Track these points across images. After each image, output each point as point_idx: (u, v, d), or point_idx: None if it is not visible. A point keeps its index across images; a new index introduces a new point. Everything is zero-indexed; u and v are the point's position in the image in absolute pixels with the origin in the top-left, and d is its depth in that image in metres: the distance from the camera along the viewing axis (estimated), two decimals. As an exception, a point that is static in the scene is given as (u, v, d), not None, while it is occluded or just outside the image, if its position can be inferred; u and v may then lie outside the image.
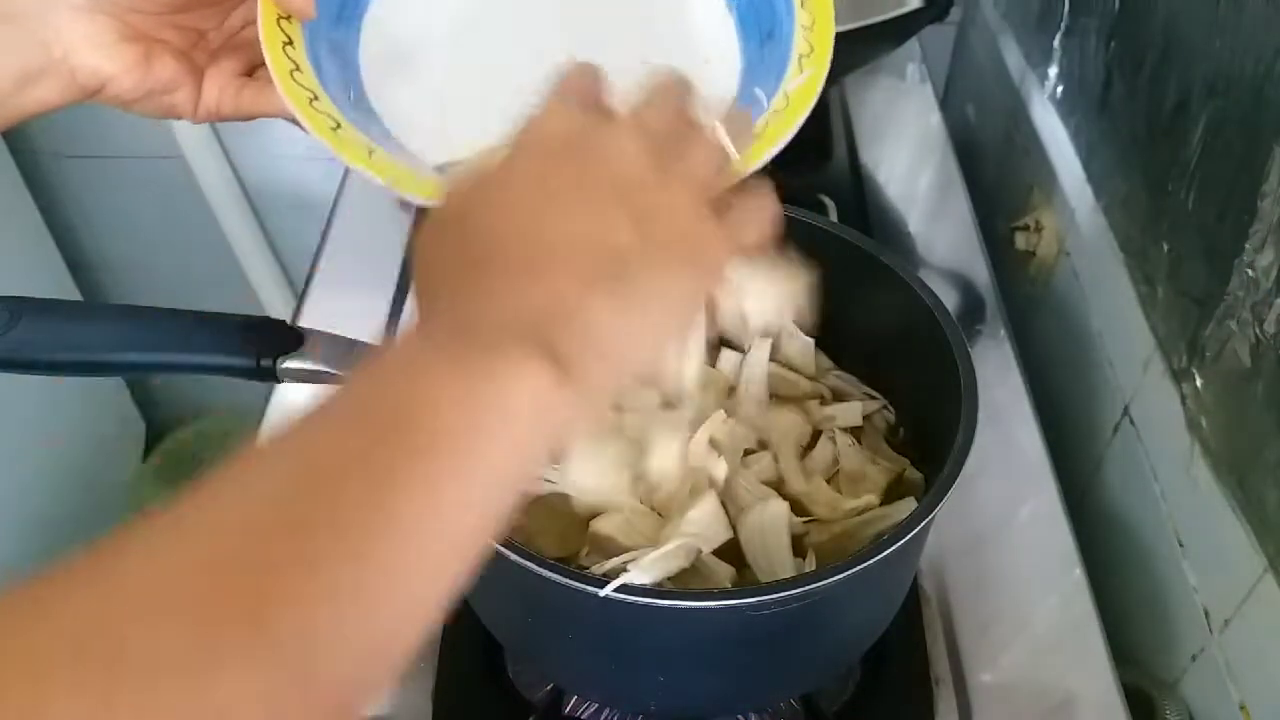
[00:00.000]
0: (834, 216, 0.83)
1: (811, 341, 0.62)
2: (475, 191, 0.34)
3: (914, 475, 0.55)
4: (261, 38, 0.46)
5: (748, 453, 0.55)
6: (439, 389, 0.29)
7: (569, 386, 0.30)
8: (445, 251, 0.33)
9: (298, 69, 0.46)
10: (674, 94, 0.37)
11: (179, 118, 0.48)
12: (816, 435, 0.58)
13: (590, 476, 0.52)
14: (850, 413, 0.59)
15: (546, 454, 0.31)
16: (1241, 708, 0.55)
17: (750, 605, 0.43)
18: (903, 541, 0.44)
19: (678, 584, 0.48)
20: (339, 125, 0.45)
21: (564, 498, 0.54)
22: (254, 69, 0.49)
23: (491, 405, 0.29)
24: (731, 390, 0.59)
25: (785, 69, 0.47)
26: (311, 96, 0.45)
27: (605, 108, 0.36)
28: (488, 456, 0.29)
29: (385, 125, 0.48)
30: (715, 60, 0.51)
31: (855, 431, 0.59)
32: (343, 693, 0.25)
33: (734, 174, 0.37)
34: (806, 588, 0.43)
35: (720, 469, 0.51)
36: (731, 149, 0.37)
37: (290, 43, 0.46)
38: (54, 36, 0.43)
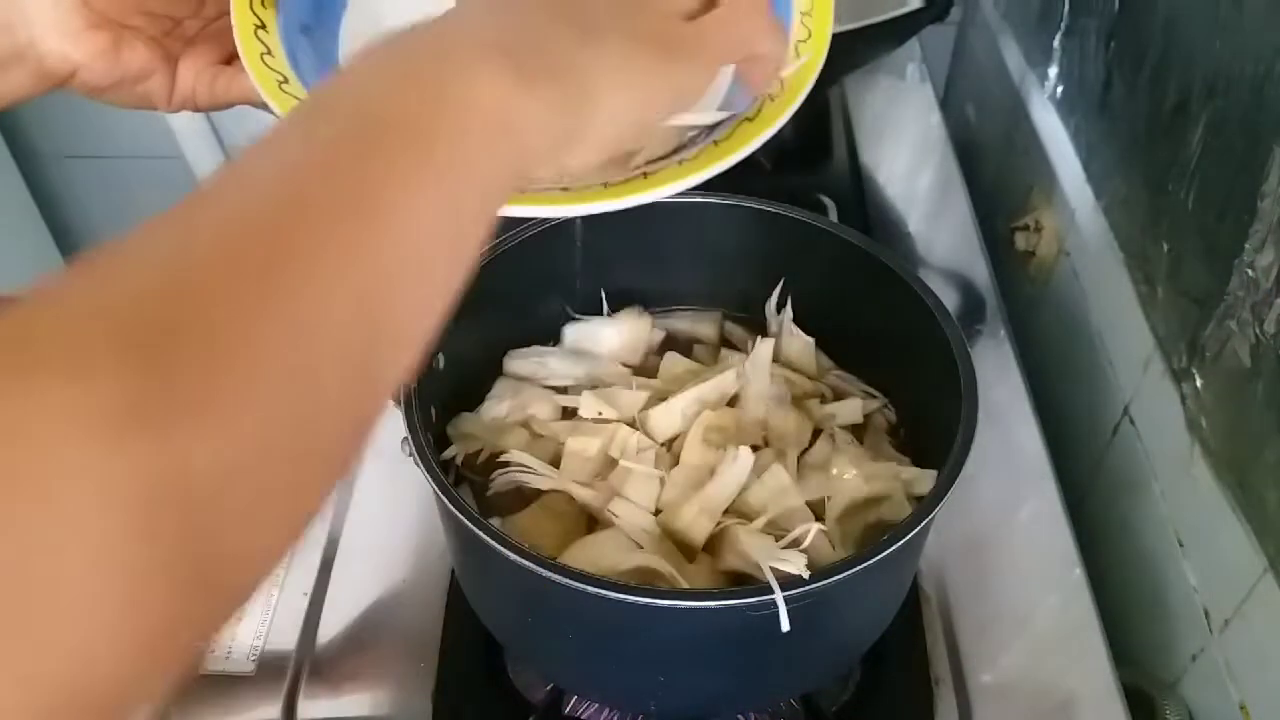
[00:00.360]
0: (834, 216, 0.83)
1: (812, 341, 0.62)
2: None
3: (912, 476, 0.55)
4: (234, 20, 0.46)
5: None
6: (406, 90, 0.29)
7: (530, 98, 0.30)
8: None
9: (269, 53, 0.46)
10: None
11: (153, 108, 0.48)
12: (817, 435, 0.58)
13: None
14: (850, 410, 0.59)
15: (517, 167, 0.31)
16: (1241, 708, 0.55)
17: (750, 605, 0.43)
18: (903, 541, 0.44)
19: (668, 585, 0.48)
20: None
21: (564, 498, 0.54)
22: (230, 58, 0.49)
23: (457, 102, 0.28)
24: (735, 397, 0.59)
25: None
26: (281, 79, 0.45)
27: None
28: (457, 152, 0.28)
29: None
30: None
31: (856, 430, 0.59)
32: (353, 401, 0.25)
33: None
34: (807, 588, 0.43)
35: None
36: None
37: (263, 26, 0.47)
38: (19, 22, 0.43)
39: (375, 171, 0.27)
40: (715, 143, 0.43)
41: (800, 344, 0.62)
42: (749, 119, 0.44)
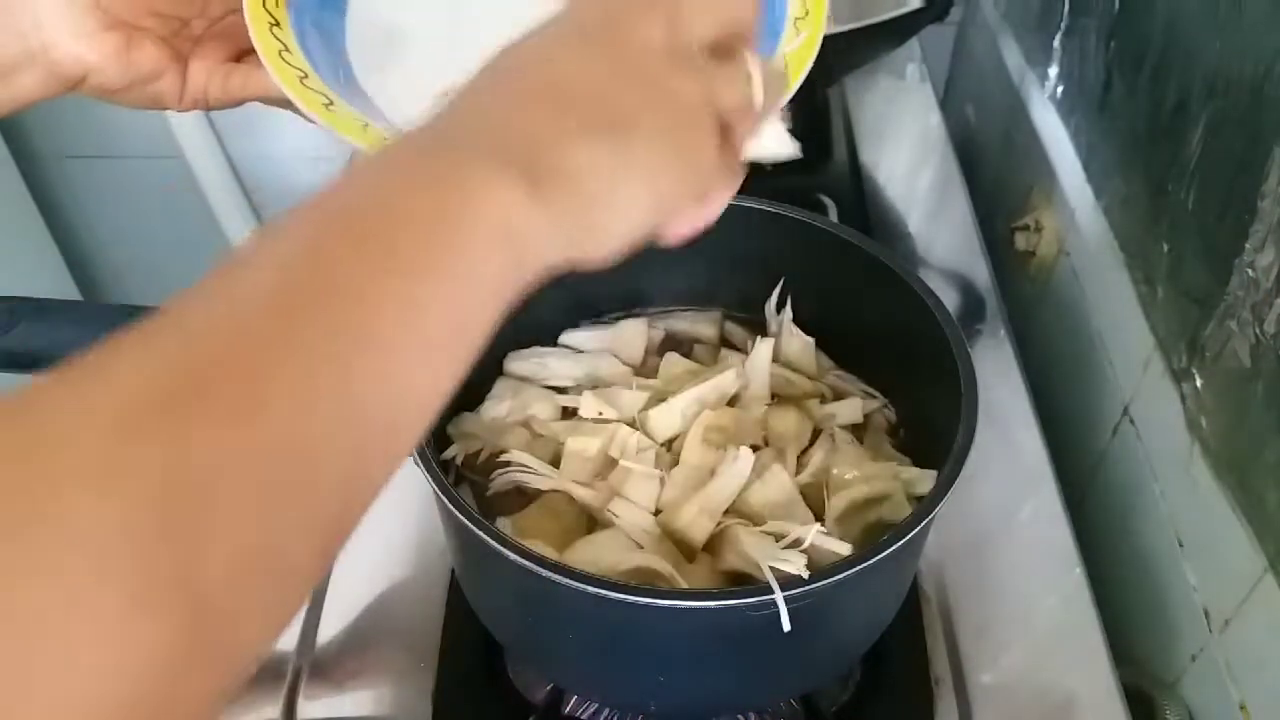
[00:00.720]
0: (834, 216, 0.83)
1: (812, 341, 0.62)
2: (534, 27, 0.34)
3: (912, 476, 0.55)
4: (247, 19, 0.46)
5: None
6: (410, 199, 0.28)
7: (539, 208, 0.30)
8: (475, 75, 0.34)
9: (286, 49, 0.46)
10: (736, 8, 0.36)
11: (164, 107, 0.48)
12: (817, 435, 0.58)
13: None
14: (850, 410, 0.59)
15: (519, 280, 0.30)
16: (1241, 707, 0.55)
17: (750, 605, 0.43)
18: (903, 541, 0.44)
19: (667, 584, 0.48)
20: (331, 102, 0.45)
21: (564, 498, 0.54)
22: (240, 55, 0.49)
23: (460, 217, 0.28)
24: (735, 397, 0.59)
25: (781, 31, 0.47)
26: (302, 75, 0.45)
27: None
28: (460, 261, 0.28)
29: (378, 107, 0.49)
30: None
31: (856, 430, 0.59)
32: (335, 505, 0.25)
33: (753, 117, 0.37)
34: (806, 588, 0.43)
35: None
36: (759, 90, 0.36)
37: (277, 24, 0.47)
38: (32, 25, 0.43)
39: (376, 278, 0.26)
40: None
41: (800, 344, 0.62)
42: None
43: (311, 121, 0.45)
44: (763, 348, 0.60)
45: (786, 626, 0.42)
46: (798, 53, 0.45)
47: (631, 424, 0.57)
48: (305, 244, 0.27)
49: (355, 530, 0.26)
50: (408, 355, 0.27)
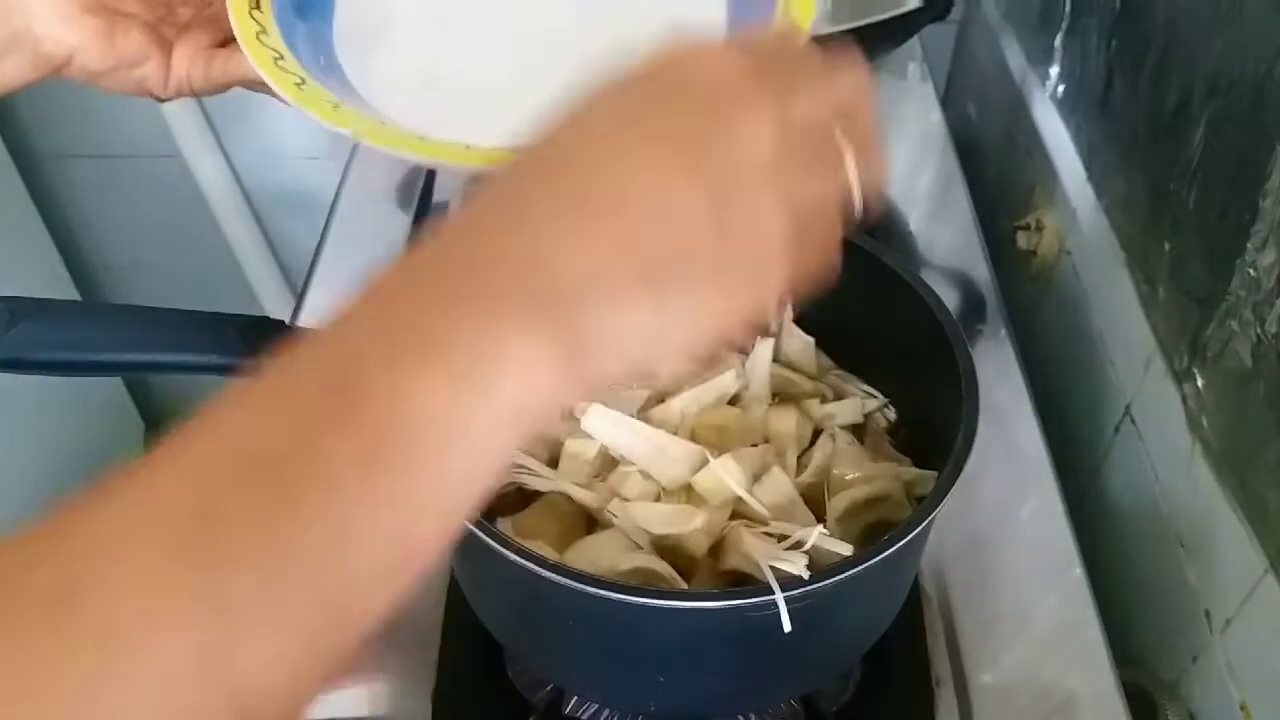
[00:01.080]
0: (834, 216, 0.83)
1: (812, 341, 0.62)
2: (583, 100, 0.29)
3: (912, 476, 0.55)
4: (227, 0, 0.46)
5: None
6: (416, 367, 0.25)
7: (571, 380, 0.26)
8: (516, 160, 0.29)
9: (264, 31, 0.46)
10: (839, 94, 0.31)
11: (149, 93, 0.48)
12: (817, 435, 0.58)
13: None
14: (850, 409, 0.59)
15: (521, 442, 0.27)
16: (1242, 708, 0.55)
17: (750, 605, 0.42)
18: (904, 541, 0.44)
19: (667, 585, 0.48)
20: (303, 82, 0.46)
21: (564, 498, 0.54)
22: (224, 42, 0.49)
23: (473, 403, 0.25)
24: (735, 397, 0.58)
25: None
26: (277, 56, 0.46)
27: (768, 68, 0.30)
28: (456, 459, 0.25)
29: (359, 93, 0.49)
30: None
31: (856, 430, 0.59)
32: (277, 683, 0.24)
33: (847, 221, 0.32)
34: (807, 588, 0.43)
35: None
36: (858, 195, 0.31)
37: (257, 6, 0.47)
38: (17, 8, 0.44)
39: (368, 465, 0.24)
40: None
41: (800, 344, 0.62)
42: None
43: (284, 102, 0.45)
44: (763, 348, 0.60)
45: (787, 627, 0.42)
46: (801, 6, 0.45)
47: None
48: (294, 400, 0.25)
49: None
50: (388, 550, 0.25)
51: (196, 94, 0.49)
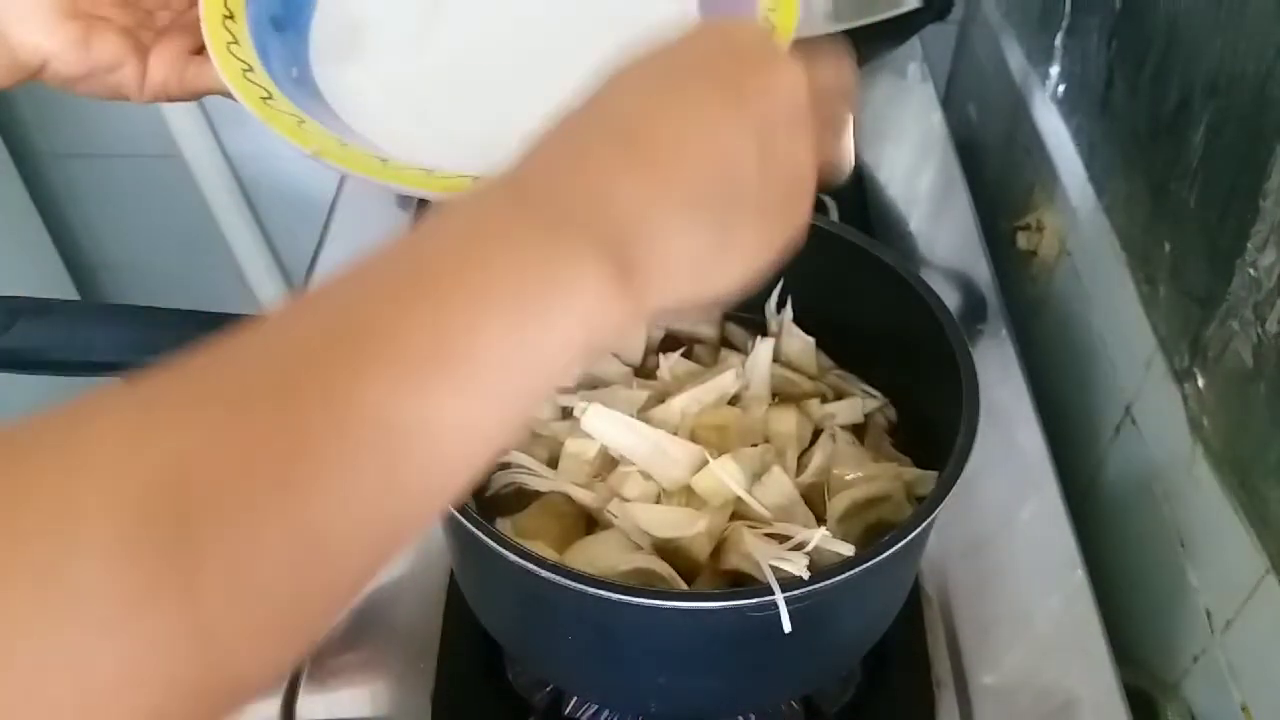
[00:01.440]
0: (835, 216, 0.83)
1: (812, 341, 0.62)
2: (635, 59, 0.32)
3: (913, 476, 0.55)
4: (201, 9, 0.46)
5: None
6: (489, 274, 0.26)
7: (628, 301, 0.28)
8: (569, 113, 0.31)
9: (235, 42, 0.47)
10: (839, 71, 0.36)
11: (125, 98, 0.48)
12: (817, 435, 0.58)
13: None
14: (851, 410, 0.59)
15: (584, 360, 0.28)
16: (1243, 708, 0.55)
17: (750, 605, 0.42)
18: (904, 542, 0.44)
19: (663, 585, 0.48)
20: (270, 95, 0.46)
21: (564, 498, 0.54)
22: (203, 49, 0.49)
23: (540, 310, 0.26)
24: (735, 397, 0.58)
25: None
26: (246, 68, 0.46)
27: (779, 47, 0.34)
28: (524, 363, 0.26)
29: (331, 106, 0.49)
30: None
31: (856, 430, 0.59)
32: (347, 566, 0.24)
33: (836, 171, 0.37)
34: (807, 589, 0.42)
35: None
36: (850, 151, 0.37)
37: (230, 17, 0.47)
38: None
39: (436, 368, 0.25)
40: None
41: (800, 344, 0.62)
42: None
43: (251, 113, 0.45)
44: (763, 348, 0.60)
45: (787, 628, 0.42)
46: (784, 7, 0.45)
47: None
48: (365, 300, 0.26)
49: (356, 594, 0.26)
50: (457, 447, 0.26)
51: (173, 99, 0.49)
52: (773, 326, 0.63)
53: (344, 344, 0.25)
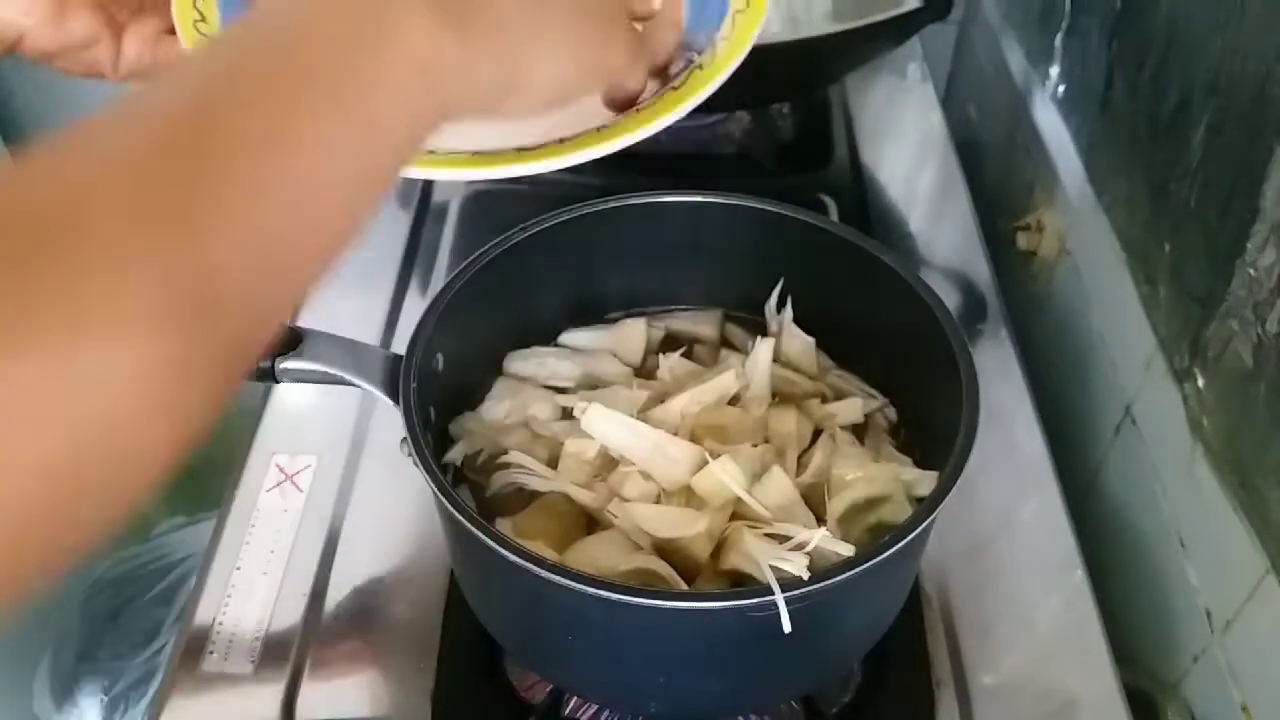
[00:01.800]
0: (835, 216, 0.83)
1: (812, 341, 0.62)
2: None
3: (913, 477, 0.55)
4: None
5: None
6: (334, 19, 0.29)
7: (458, 46, 0.30)
8: None
9: (202, 19, 0.47)
10: None
11: (100, 75, 0.49)
12: (817, 435, 0.58)
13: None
14: (851, 409, 0.59)
15: (436, 119, 0.31)
16: (1243, 709, 0.55)
17: (750, 605, 0.42)
18: (904, 542, 0.44)
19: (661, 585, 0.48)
20: None
21: (564, 498, 0.54)
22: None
23: (376, 46, 0.29)
24: (735, 397, 0.58)
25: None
26: None
27: None
28: (379, 89, 0.29)
29: None
30: None
31: (856, 431, 0.59)
32: (240, 328, 0.26)
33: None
34: (807, 589, 0.42)
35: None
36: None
37: None
38: None
39: (289, 104, 0.27)
40: (658, 98, 0.44)
41: (800, 344, 0.62)
42: (700, 68, 0.45)
43: None
44: (763, 348, 0.60)
45: (787, 628, 0.42)
46: (744, 20, 0.46)
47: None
48: (226, 65, 0.28)
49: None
50: (321, 186, 0.28)
51: (147, 77, 0.49)
52: (773, 326, 0.63)
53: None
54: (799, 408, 0.58)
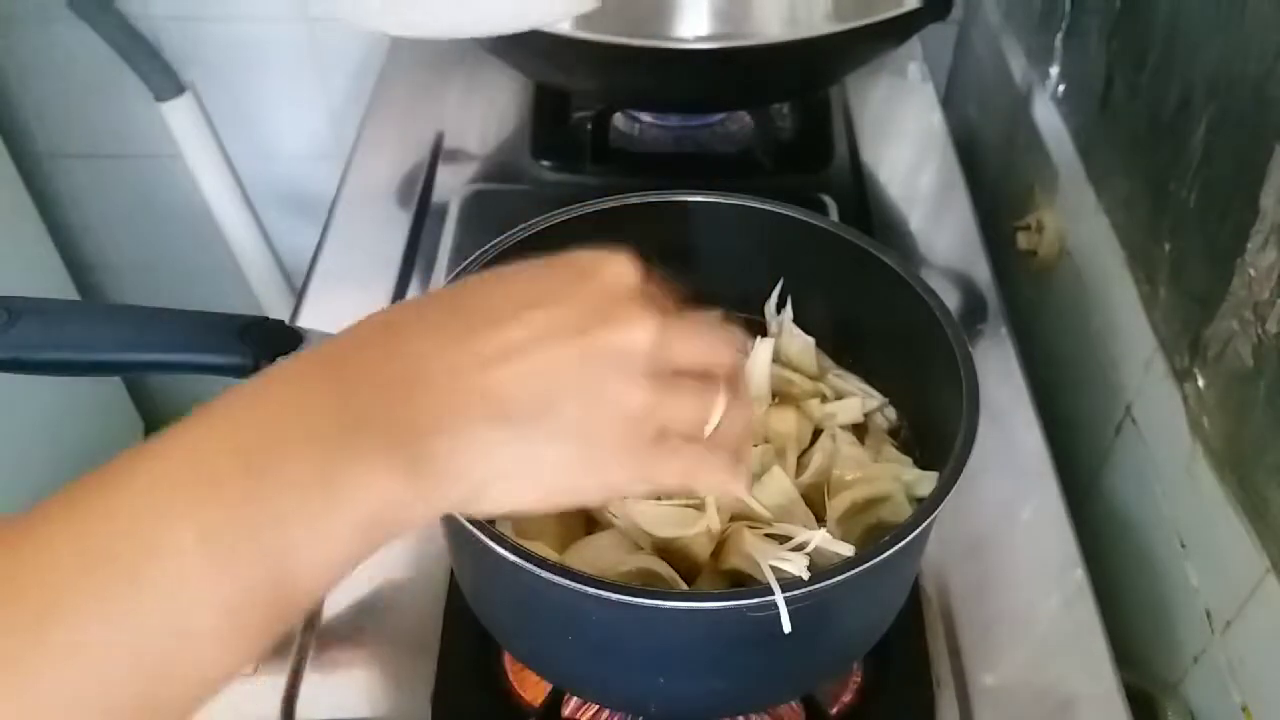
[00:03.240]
0: (835, 216, 0.83)
1: (812, 341, 0.62)
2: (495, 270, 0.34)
3: (913, 476, 0.55)
4: None
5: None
6: (280, 476, 0.27)
7: (410, 494, 0.29)
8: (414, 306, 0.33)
9: None
10: (723, 342, 0.36)
11: None
12: (817, 435, 0.58)
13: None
14: (850, 409, 0.59)
15: (369, 551, 0.29)
16: (1244, 709, 0.55)
17: (750, 606, 0.42)
18: (904, 542, 0.44)
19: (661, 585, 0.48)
20: None
21: None
22: None
23: (323, 507, 0.28)
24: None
25: None
26: None
27: (661, 300, 0.34)
28: (297, 558, 0.27)
29: None
30: None
31: (857, 430, 0.59)
32: None
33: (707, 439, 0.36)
34: (807, 589, 0.42)
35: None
36: (716, 417, 0.35)
37: None
38: None
39: (218, 555, 0.26)
40: None
41: (800, 344, 0.62)
42: None
43: None
44: (762, 348, 0.60)
45: (787, 628, 0.42)
46: None
47: None
48: (152, 495, 0.26)
49: None
50: (218, 644, 0.27)
51: None
52: (773, 327, 0.63)
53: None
54: (799, 408, 0.58)
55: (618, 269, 0.34)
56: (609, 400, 0.32)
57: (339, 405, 0.29)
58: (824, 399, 0.60)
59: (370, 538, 0.29)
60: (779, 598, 0.42)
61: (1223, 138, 0.59)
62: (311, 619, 0.60)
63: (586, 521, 0.54)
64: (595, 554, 0.50)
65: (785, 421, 0.57)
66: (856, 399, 0.59)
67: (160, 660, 0.26)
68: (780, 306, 0.63)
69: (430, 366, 0.30)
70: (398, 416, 0.29)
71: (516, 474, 0.31)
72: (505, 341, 0.31)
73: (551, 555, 0.48)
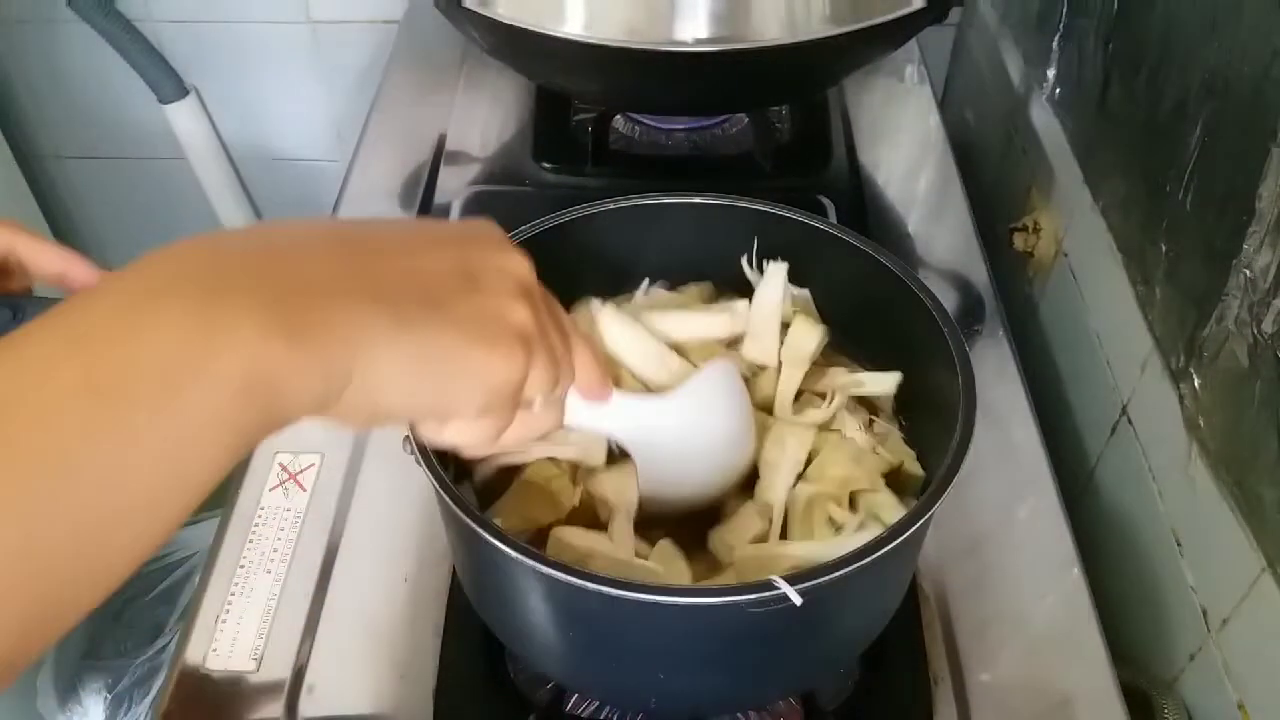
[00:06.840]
0: (833, 217, 0.84)
1: (824, 329, 0.61)
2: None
3: (913, 471, 0.55)
4: None
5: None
6: (155, 336, 0.27)
7: (287, 353, 0.29)
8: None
9: None
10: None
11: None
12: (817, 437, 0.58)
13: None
14: (884, 382, 0.58)
15: (264, 425, 0.29)
16: (1240, 707, 0.55)
17: (750, 602, 0.43)
18: (900, 540, 0.44)
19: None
20: None
21: (546, 475, 0.53)
22: None
23: (197, 363, 0.27)
24: (733, 341, 0.59)
25: None
26: None
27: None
28: (181, 421, 0.27)
29: None
30: None
31: (868, 405, 0.58)
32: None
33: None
34: (806, 585, 0.43)
35: None
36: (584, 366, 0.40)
37: None
38: None
39: (89, 416, 0.26)
40: None
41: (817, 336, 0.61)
42: None
43: None
44: (775, 271, 0.60)
45: (798, 601, 0.42)
46: None
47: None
48: (41, 359, 0.26)
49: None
50: (115, 501, 0.26)
51: None
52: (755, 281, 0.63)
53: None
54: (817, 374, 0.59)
55: (487, 226, 0.38)
56: (493, 308, 0.35)
57: (215, 268, 0.29)
58: (824, 398, 0.60)
59: (254, 398, 0.28)
60: (787, 590, 0.42)
61: (1219, 139, 0.59)
62: (313, 618, 0.60)
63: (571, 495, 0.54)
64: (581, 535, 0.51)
65: (786, 445, 0.56)
66: (894, 374, 0.58)
67: (43, 510, 0.25)
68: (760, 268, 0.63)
69: (314, 268, 0.31)
70: (275, 280, 0.30)
71: (397, 358, 0.32)
72: (393, 261, 0.33)
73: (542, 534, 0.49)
